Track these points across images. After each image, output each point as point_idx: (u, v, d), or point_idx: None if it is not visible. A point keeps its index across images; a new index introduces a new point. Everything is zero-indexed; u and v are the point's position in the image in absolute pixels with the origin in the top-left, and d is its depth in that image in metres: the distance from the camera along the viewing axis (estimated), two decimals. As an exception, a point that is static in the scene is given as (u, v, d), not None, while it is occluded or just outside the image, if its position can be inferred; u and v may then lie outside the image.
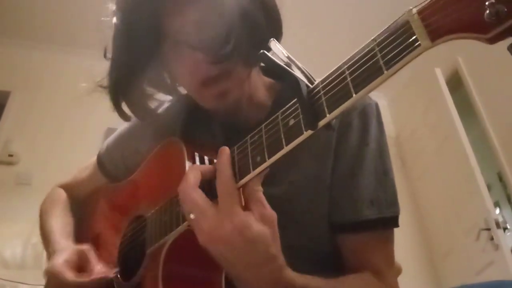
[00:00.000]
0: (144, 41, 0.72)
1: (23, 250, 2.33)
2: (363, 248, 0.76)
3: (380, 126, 0.83)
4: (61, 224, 0.94)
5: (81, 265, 0.78)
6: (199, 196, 0.55)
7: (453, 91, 3.42)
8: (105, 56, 0.79)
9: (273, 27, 0.76)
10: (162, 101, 0.91)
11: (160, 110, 0.92)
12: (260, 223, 0.53)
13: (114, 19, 0.74)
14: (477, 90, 3.39)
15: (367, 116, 0.81)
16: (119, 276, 0.78)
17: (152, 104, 0.86)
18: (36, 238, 2.42)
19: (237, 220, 0.52)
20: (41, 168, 3.26)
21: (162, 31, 0.72)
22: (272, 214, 0.54)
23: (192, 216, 0.55)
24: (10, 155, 3.35)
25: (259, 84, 0.86)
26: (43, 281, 0.83)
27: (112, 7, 0.75)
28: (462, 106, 3.41)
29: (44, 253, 2.23)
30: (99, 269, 0.76)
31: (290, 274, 0.57)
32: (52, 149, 3.37)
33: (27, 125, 3.49)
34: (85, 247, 0.81)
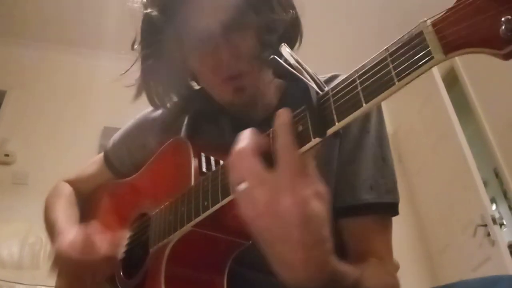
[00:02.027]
0: (167, 38, 0.77)
1: (20, 250, 2.33)
2: (364, 233, 0.77)
3: (380, 116, 0.85)
4: (66, 215, 0.94)
5: (86, 245, 0.77)
6: (257, 163, 0.49)
7: (449, 88, 3.43)
8: (132, 48, 0.83)
9: (295, 31, 0.81)
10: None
11: (169, 106, 0.93)
12: (316, 200, 0.48)
13: (143, 15, 0.79)
14: (473, 87, 3.40)
15: None
16: (121, 273, 0.78)
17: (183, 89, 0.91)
18: (33, 238, 2.42)
19: (301, 193, 0.47)
20: (38, 167, 3.25)
21: (188, 28, 0.76)
22: (325, 191, 0.50)
23: (240, 187, 0.49)
24: (6, 155, 3.33)
25: (270, 83, 0.89)
26: (40, 281, 0.83)
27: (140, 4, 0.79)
28: (458, 103, 3.42)
29: (41, 253, 2.24)
30: (105, 247, 0.75)
31: (335, 259, 0.53)
32: (49, 149, 3.35)
33: (23, 125, 3.47)
34: (90, 228, 0.80)
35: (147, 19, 0.78)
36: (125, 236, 0.81)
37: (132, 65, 0.85)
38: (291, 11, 0.80)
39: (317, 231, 0.48)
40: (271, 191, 0.47)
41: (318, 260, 0.50)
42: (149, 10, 0.77)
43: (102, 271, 0.74)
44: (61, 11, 3.47)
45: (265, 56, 0.74)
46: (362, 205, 0.77)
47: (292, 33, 0.82)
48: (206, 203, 0.58)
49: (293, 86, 0.88)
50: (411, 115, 3.85)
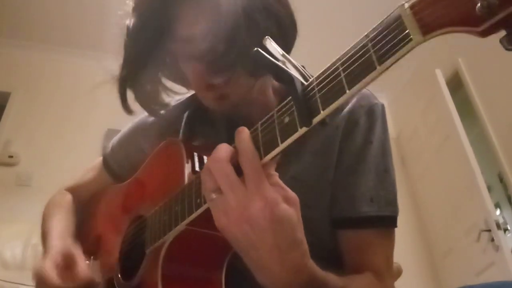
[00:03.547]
0: (155, 41, 0.75)
1: (23, 251, 2.33)
2: (362, 245, 0.77)
3: (384, 126, 0.84)
4: (59, 226, 0.94)
5: (67, 266, 0.78)
6: (231, 169, 0.51)
7: (453, 92, 3.42)
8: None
9: (285, 36, 0.77)
10: (169, 101, 0.92)
11: (165, 109, 0.93)
12: (286, 204, 0.50)
13: (129, 20, 0.76)
14: (477, 91, 3.39)
15: (374, 115, 0.83)
16: (119, 275, 0.78)
17: (162, 99, 0.88)
18: (36, 239, 2.42)
19: (269, 196, 0.49)
20: (41, 169, 3.28)
21: (173, 36, 0.74)
22: (295, 196, 0.52)
23: (213, 195, 0.52)
24: (10, 156, 3.36)
25: (267, 88, 0.88)
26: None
27: (129, 7, 0.77)
28: (463, 107, 3.41)
29: (43, 254, 2.18)
30: (85, 271, 0.77)
31: (313, 264, 0.54)
32: (52, 150, 3.38)
33: (27, 126, 3.50)
34: (72, 247, 0.81)
35: (132, 24, 0.76)
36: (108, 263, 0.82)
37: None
38: (282, 24, 0.76)
39: (290, 234, 0.50)
40: (241, 196, 0.50)
41: (294, 263, 0.51)
42: (134, 16, 0.76)
43: None
44: (65, 14, 3.51)
45: (251, 67, 0.73)
46: (361, 217, 0.76)
47: (283, 44, 0.78)
48: (198, 200, 0.58)
49: (282, 83, 0.89)
50: (414, 119, 3.85)
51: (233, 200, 0.50)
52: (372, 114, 0.82)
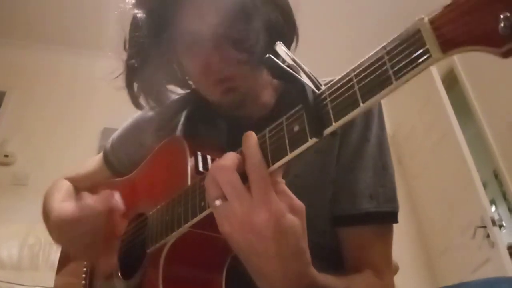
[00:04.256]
0: (160, 35, 0.75)
1: (20, 251, 2.32)
2: (362, 242, 0.77)
3: (381, 123, 0.84)
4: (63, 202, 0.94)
5: (82, 205, 0.77)
6: (237, 178, 0.50)
7: (449, 89, 3.43)
8: (124, 47, 0.81)
9: (290, 32, 0.79)
10: (172, 94, 0.93)
11: (166, 105, 0.93)
12: (291, 213, 0.49)
13: (134, 11, 0.77)
14: (473, 89, 3.40)
15: (370, 112, 0.83)
16: (119, 274, 0.77)
17: (164, 94, 0.89)
18: (33, 239, 2.42)
19: (274, 208, 0.48)
20: (37, 168, 3.25)
21: (179, 31, 0.75)
22: (301, 205, 0.51)
23: (217, 202, 0.51)
24: (6, 156, 3.34)
25: (266, 83, 0.88)
26: (39, 282, 0.82)
27: (126, 5, 0.77)
28: (458, 104, 3.42)
29: (41, 254, 2.24)
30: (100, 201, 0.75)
31: (314, 271, 0.54)
32: (48, 149, 3.35)
33: (23, 125, 3.48)
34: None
35: (137, 20, 0.76)
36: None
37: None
38: (284, 12, 0.79)
39: (294, 244, 0.49)
40: (247, 205, 0.49)
41: (296, 272, 0.51)
42: (139, 11, 0.76)
43: (101, 226, 0.73)
44: (61, 12, 3.48)
45: (258, 58, 0.73)
46: (361, 214, 0.77)
47: (286, 33, 0.80)
48: (203, 204, 0.58)
49: (290, 86, 0.90)
50: (410, 117, 3.85)
51: (238, 208, 0.49)
52: (368, 112, 0.82)
